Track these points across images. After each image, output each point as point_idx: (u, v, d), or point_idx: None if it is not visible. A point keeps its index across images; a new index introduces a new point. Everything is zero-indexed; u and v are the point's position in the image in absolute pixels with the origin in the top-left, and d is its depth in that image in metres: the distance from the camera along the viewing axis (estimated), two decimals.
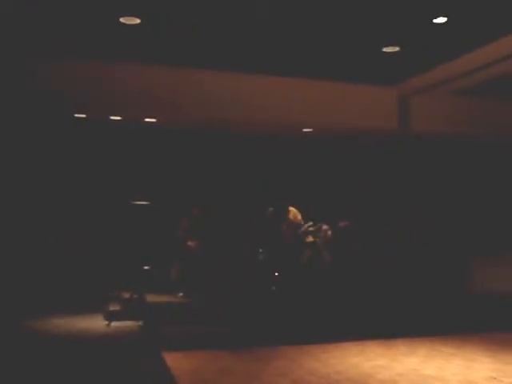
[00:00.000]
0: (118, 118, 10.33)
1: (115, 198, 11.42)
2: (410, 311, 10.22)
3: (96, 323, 8.84)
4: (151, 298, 9.92)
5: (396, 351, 7.24)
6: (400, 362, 6.70)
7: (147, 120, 10.62)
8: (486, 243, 11.79)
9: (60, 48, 8.98)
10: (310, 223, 11.56)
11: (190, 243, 11.05)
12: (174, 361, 6.52)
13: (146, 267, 9.82)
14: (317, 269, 11.32)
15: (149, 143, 11.94)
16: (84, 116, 10.17)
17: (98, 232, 11.36)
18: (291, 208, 11.43)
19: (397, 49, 8.85)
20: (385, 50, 8.90)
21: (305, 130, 11.61)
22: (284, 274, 11.22)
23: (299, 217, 11.42)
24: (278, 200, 11.37)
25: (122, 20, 7.65)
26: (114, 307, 9.14)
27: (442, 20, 7.50)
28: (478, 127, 11.57)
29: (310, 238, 11.49)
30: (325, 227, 11.50)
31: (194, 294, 10.71)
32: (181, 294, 10.84)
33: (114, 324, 8.74)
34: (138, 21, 7.70)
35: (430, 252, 12.01)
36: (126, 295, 9.40)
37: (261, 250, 11.37)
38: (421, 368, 6.40)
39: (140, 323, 8.93)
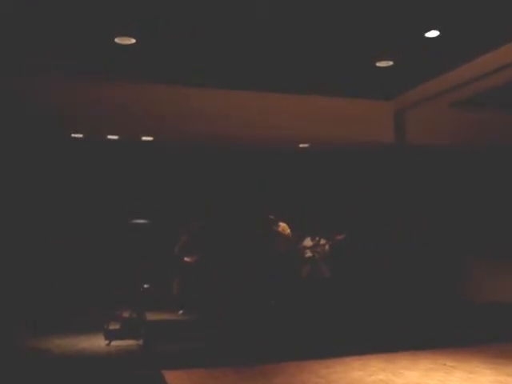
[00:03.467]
0: (115, 137, 10.36)
1: (113, 217, 11.43)
2: (411, 324, 10.19)
3: (96, 342, 8.81)
4: (151, 316, 9.90)
5: (397, 365, 7.20)
6: (401, 376, 6.67)
7: (144, 139, 10.65)
8: (485, 251, 11.78)
9: (56, 67, 9.02)
10: (308, 238, 11.61)
11: (186, 259, 11.06)
12: (175, 379, 6.49)
13: (145, 285, 9.78)
14: (316, 283, 11.33)
15: (146, 161, 12.00)
16: (81, 136, 10.20)
17: (97, 251, 11.36)
18: (280, 223, 11.53)
19: (390, 63, 8.91)
20: (378, 64, 8.95)
21: (301, 145, 11.64)
22: (282, 289, 11.25)
23: (288, 231, 11.52)
24: (268, 213, 11.47)
25: (117, 40, 7.70)
26: (114, 326, 9.11)
27: (434, 34, 7.56)
28: (475, 139, 11.59)
29: (309, 253, 11.51)
30: (323, 241, 11.53)
31: (193, 310, 10.70)
32: (181, 312, 10.83)
33: (115, 343, 8.71)
34: (133, 41, 7.76)
35: (428, 262, 12.02)
36: (126, 314, 9.37)
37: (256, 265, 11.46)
38: (422, 382, 6.38)
39: (140, 342, 8.90)
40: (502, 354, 7.73)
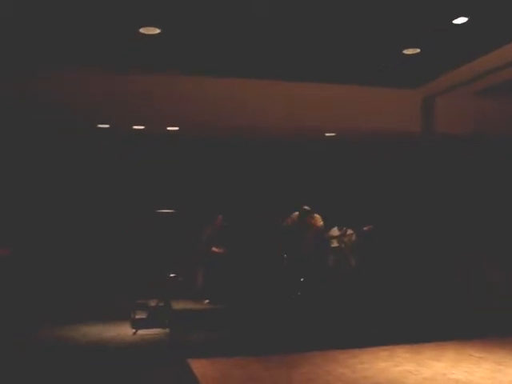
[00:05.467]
0: (141, 127, 10.42)
1: (141, 206, 11.51)
2: (437, 314, 10.11)
3: (123, 331, 8.90)
4: (177, 305, 9.98)
5: (424, 356, 7.16)
6: (428, 366, 6.64)
7: (170, 129, 10.69)
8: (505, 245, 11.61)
9: (82, 59, 9.08)
10: (335, 228, 11.59)
11: (214, 249, 11.12)
12: (201, 368, 6.54)
13: (171, 275, 9.84)
14: (342, 273, 11.31)
15: (172, 152, 12.06)
16: (107, 126, 10.27)
17: (124, 241, 11.46)
18: (315, 214, 11.47)
19: (418, 50, 8.77)
20: (405, 52, 8.82)
21: (328, 134, 11.57)
22: (309, 279, 11.23)
23: (321, 223, 11.47)
24: (302, 206, 11.42)
25: (141, 30, 7.70)
26: (140, 315, 9.19)
27: (462, 20, 7.41)
28: (504, 127, 11.39)
29: (335, 243, 11.51)
30: (350, 232, 11.52)
31: (219, 300, 10.75)
32: (207, 301, 10.88)
33: (141, 332, 8.79)
34: (157, 31, 7.75)
35: (456, 252, 11.87)
36: (153, 303, 9.45)
37: (285, 256, 11.43)
38: (448, 372, 6.34)
39: (166, 331, 8.97)
40: None
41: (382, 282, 11.88)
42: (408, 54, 8.94)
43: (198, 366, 6.59)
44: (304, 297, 10.98)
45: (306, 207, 11.43)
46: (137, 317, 9.14)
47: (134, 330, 8.85)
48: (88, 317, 9.81)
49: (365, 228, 11.43)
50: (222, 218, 11.37)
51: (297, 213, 11.51)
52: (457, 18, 7.36)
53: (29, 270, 10.66)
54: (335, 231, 11.62)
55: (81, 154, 11.68)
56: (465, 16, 7.32)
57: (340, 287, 11.14)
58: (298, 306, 10.57)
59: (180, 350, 7.71)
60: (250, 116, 10.42)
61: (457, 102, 11.22)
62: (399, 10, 7.21)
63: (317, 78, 10.36)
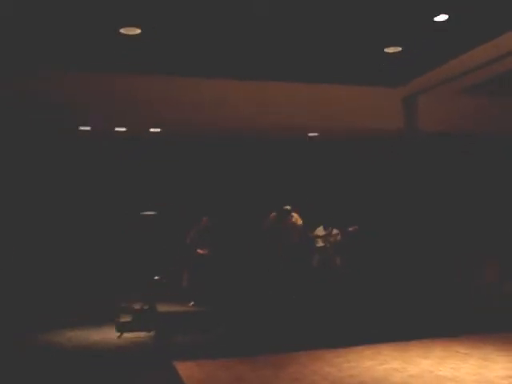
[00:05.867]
0: (123, 129, 10.34)
1: (123, 208, 11.44)
2: (423, 312, 10.14)
3: (108, 335, 8.81)
4: (162, 307, 9.91)
5: (410, 353, 7.17)
6: (414, 364, 6.63)
7: (152, 130, 10.62)
8: (496, 242, 11.67)
9: (63, 60, 8.99)
10: (321, 228, 11.60)
11: (199, 250, 11.08)
12: (186, 370, 6.48)
13: (156, 277, 9.77)
14: (327, 273, 11.32)
15: (155, 153, 12.00)
16: (88, 128, 10.18)
17: (108, 243, 11.38)
18: (293, 213, 11.50)
19: (399, 49, 8.78)
20: (387, 50, 8.83)
21: (311, 134, 11.57)
22: (294, 278, 11.24)
23: (300, 221, 11.50)
24: (282, 206, 11.44)
25: (122, 31, 7.63)
26: (125, 318, 9.11)
27: (443, 18, 7.43)
28: (485, 125, 11.46)
29: (321, 243, 11.52)
30: (335, 231, 11.54)
31: (204, 302, 10.71)
32: (192, 303, 10.83)
33: (126, 335, 8.71)
34: (138, 31, 7.69)
35: (441, 250, 11.92)
36: (137, 306, 9.37)
37: (268, 255, 11.46)
38: (435, 369, 6.34)
39: (151, 333, 8.90)
40: None
41: (368, 281, 11.90)
42: (389, 53, 8.95)
43: (184, 369, 6.54)
44: (290, 297, 10.97)
45: (286, 207, 11.46)
46: (121, 320, 9.06)
47: (118, 334, 8.76)
48: (73, 321, 9.70)
49: (350, 228, 11.46)
50: (206, 219, 11.33)
51: (274, 213, 11.53)
52: (437, 15, 7.37)
53: (11, 276, 10.54)
54: (321, 230, 11.62)
55: (63, 157, 11.59)
56: (445, 13, 7.33)
57: (326, 286, 11.15)
58: (283, 306, 10.56)
59: (166, 352, 7.63)
60: (232, 116, 10.39)
61: (439, 100, 11.27)
62: (380, 8, 7.21)
63: (298, 78, 10.34)
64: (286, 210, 11.46)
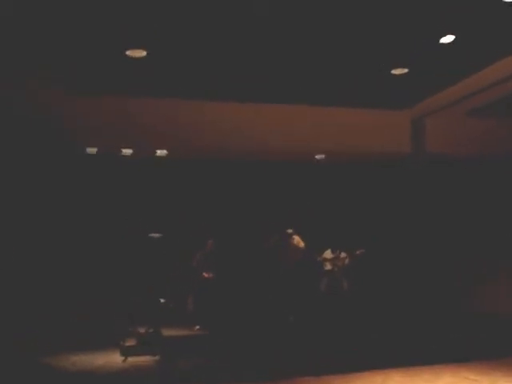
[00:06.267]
0: (130, 151, 10.33)
1: (129, 231, 11.38)
2: (431, 337, 9.97)
3: (112, 359, 8.68)
4: (167, 331, 9.78)
5: (419, 379, 7.01)
6: None
7: (158, 153, 10.61)
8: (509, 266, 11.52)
9: (70, 84, 9.03)
10: (329, 251, 11.52)
11: (205, 274, 10.98)
12: None
13: (161, 300, 9.65)
14: (335, 297, 11.19)
15: (161, 176, 11.95)
16: (95, 151, 10.18)
17: (113, 266, 11.31)
18: (294, 236, 11.48)
19: (405, 70, 8.76)
20: (394, 72, 8.80)
21: (317, 156, 11.53)
22: (300, 303, 11.14)
23: (302, 244, 11.46)
24: (285, 228, 11.42)
25: (128, 53, 7.65)
26: (130, 342, 8.99)
27: (449, 39, 7.40)
28: (493, 147, 11.37)
29: (329, 266, 11.41)
30: (343, 255, 11.43)
31: (209, 326, 10.59)
32: (197, 327, 10.71)
33: (131, 359, 8.58)
34: (144, 53, 7.70)
35: (451, 274, 11.78)
36: (142, 330, 9.25)
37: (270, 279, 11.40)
38: None
39: (156, 358, 8.77)
40: None
41: (377, 305, 11.76)
42: (396, 74, 8.92)
43: None
44: (296, 321, 10.84)
45: (289, 230, 11.44)
46: (126, 344, 8.94)
47: (123, 358, 8.64)
48: (77, 345, 9.58)
49: (357, 252, 11.36)
50: (212, 242, 11.26)
51: (276, 236, 11.51)
52: (444, 36, 7.34)
53: (14, 298, 10.47)
54: (328, 254, 11.53)
55: (68, 179, 11.56)
56: (452, 34, 7.29)
57: (333, 311, 11.01)
58: (290, 331, 10.42)
59: (170, 377, 7.52)
60: (239, 138, 10.41)
61: (447, 123, 11.21)
62: (386, 30, 7.20)
63: (305, 101, 10.34)
64: (288, 232, 11.46)
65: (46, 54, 7.75)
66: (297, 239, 11.53)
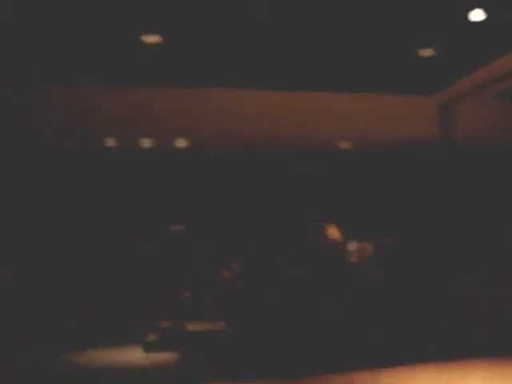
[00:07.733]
0: (149, 143, 10.21)
1: (152, 225, 11.26)
2: (462, 331, 9.66)
3: (135, 355, 8.54)
4: (191, 326, 9.63)
5: (451, 375, 6.74)
6: None
7: (179, 144, 10.47)
8: None
9: (84, 76, 8.91)
10: (354, 242, 11.29)
11: (226, 274, 10.77)
12: None
13: (186, 294, 9.52)
14: (363, 288, 10.95)
15: (182, 168, 11.80)
16: (114, 143, 10.06)
17: (136, 259, 11.20)
18: (330, 226, 11.20)
19: (432, 52, 8.42)
20: (421, 53, 8.47)
21: (341, 145, 11.29)
22: (328, 295, 10.90)
23: (337, 234, 11.18)
24: (317, 218, 11.17)
25: (143, 38, 7.46)
26: (152, 338, 8.87)
27: (480, 17, 7.06)
28: None
29: (354, 257, 11.21)
30: (369, 245, 11.21)
31: (235, 321, 10.41)
32: (223, 323, 10.55)
33: (153, 355, 8.44)
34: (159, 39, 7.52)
35: (484, 262, 11.46)
36: (165, 324, 9.12)
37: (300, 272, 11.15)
38: None
39: (180, 353, 8.62)
40: None
41: (405, 296, 11.49)
42: (423, 57, 8.60)
43: None
44: (324, 314, 10.63)
45: (321, 221, 11.18)
46: (149, 339, 8.83)
47: (146, 354, 8.51)
48: (98, 341, 9.49)
49: (385, 241, 11.11)
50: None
51: (311, 230, 11.25)
52: (474, 14, 7.00)
53: (35, 293, 10.41)
54: (353, 245, 11.30)
55: (87, 175, 11.44)
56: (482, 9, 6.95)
57: (361, 302, 10.79)
58: (317, 325, 10.20)
59: (194, 373, 7.37)
60: (262, 128, 10.21)
61: (476, 108, 10.88)
62: (411, 9, 6.90)
63: (328, 87, 10.11)
64: (320, 224, 11.19)
65: (59, 44, 7.63)
66: (331, 230, 11.26)
